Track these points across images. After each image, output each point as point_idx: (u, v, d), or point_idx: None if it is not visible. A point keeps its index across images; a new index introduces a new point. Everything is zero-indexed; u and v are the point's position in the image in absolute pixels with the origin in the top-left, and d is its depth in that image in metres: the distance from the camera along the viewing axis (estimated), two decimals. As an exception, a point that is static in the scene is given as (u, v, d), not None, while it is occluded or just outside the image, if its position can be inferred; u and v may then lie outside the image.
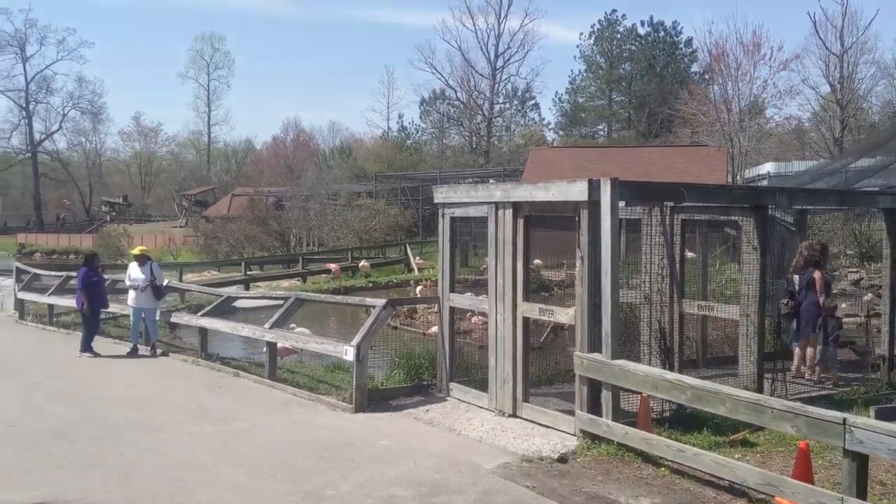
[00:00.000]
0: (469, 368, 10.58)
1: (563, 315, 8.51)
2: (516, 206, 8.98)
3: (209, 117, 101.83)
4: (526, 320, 8.99)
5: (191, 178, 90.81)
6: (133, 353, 14.42)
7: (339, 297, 11.91)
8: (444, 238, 10.25)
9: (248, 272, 31.44)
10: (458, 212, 10.01)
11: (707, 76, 64.48)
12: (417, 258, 35.38)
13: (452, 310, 10.18)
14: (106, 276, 17.79)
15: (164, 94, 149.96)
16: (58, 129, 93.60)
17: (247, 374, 12.22)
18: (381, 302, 9.97)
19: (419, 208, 50.76)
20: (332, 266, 30.88)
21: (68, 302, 18.54)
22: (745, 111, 37.51)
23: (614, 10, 74.51)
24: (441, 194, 10.20)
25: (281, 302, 12.77)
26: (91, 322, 14.61)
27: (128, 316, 15.46)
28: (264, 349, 11.86)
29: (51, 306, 19.33)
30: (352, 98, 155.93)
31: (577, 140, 66.46)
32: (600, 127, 74.51)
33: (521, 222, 8.99)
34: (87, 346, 14.27)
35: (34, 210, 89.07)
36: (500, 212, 9.18)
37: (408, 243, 38.17)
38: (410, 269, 34.87)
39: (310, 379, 12.22)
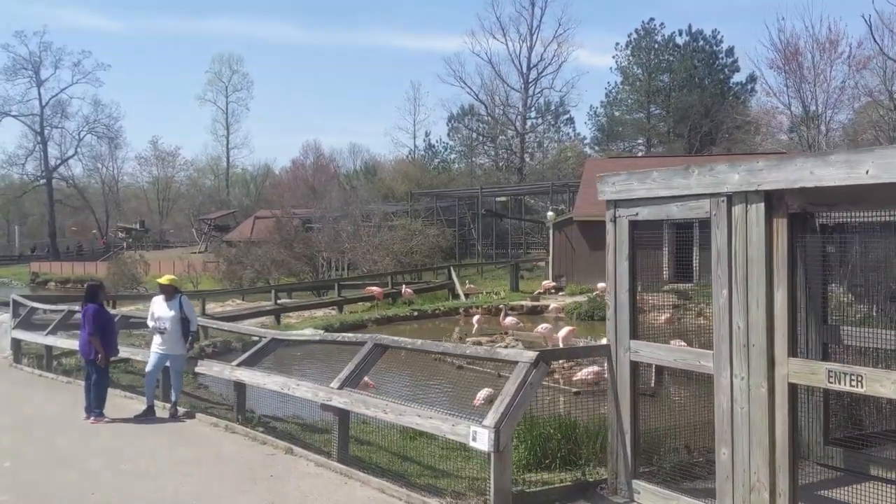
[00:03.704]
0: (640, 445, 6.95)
1: (887, 383, 4.87)
2: (772, 198, 5.40)
3: (228, 140, 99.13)
4: (794, 389, 5.38)
5: (210, 203, 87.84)
6: (148, 415, 10.87)
7: (448, 346, 8.27)
8: (617, 253, 6.66)
9: (278, 301, 27.96)
10: (646, 212, 6.42)
11: (750, 84, 60.86)
12: (468, 283, 31.86)
13: (636, 367, 6.56)
14: (114, 312, 14.42)
15: (182, 117, 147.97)
16: (73, 155, 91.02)
17: (304, 452, 8.66)
18: (527, 356, 6.34)
19: (456, 229, 47.18)
20: (376, 290, 27.44)
21: (68, 343, 15.18)
22: (824, 114, 33.85)
23: (651, 19, 71.08)
24: (615, 186, 6.64)
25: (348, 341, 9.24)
26: (105, 375, 11.12)
27: (140, 359, 12.11)
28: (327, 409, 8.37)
29: (49, 347, 15.93)
30: (372, 121, 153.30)
31: (619, 153, 62.89)
32: (639, 141, 70.75)
33: (781, 224, 5.40)
34: (95, 407, 10.77)
35: (49, 237, 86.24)
36: (738, 208, 5.61)
37: (452, 266, 34.54)
38: (456, 296, 31.34)
39: (392, 457, 8.67)
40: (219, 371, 10.73)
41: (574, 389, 11.53)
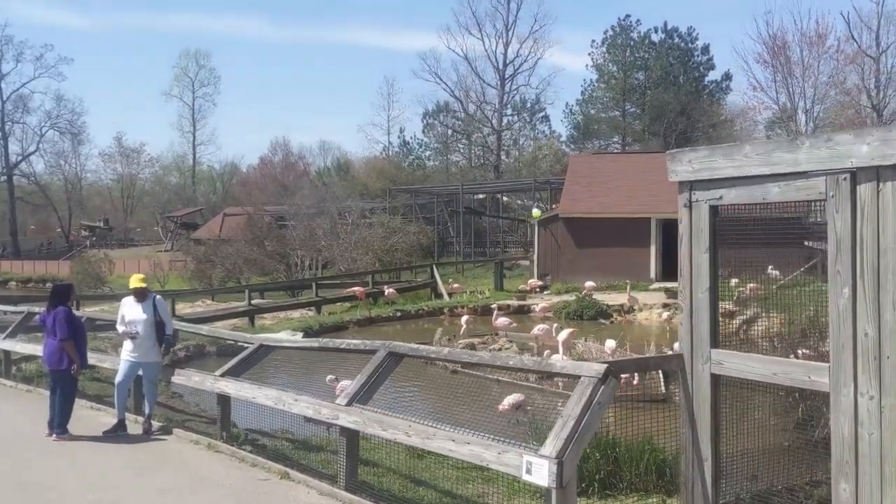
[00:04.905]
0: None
1: None
2: (917, 174, 4.33)
3: (194, 136, 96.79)
4: (944, 412, 4.31)
5: (176, 200, 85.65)
6: (118, 431, 9.56)
7: (485, 356, 7.10)
8: (694, 245, 5.56)
9: (252, 301, 26.66)
10: (733, 195, 5.31)
11: (725, 82, 60.42)
12: (452, 282, 30.77)
13: (717, 381, 5.44)
14: (79, 313, 13.06)
15: (148, 113, 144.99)
16: (35, 151, 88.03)
17: (303, 476, 7.46)
18: (593, 369, 5.19)
19: (434, 227, 46.02)
20: (358, 289, 26.26)
21: (29, 347, 13.88)
22: (811, 109, 33.27)
23: (628, 16, 70.46)
24: (691, 165, 5.53)
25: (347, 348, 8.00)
26: (74, 387, 9.80)
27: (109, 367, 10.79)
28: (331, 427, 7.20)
29: (7, 352, 14.55)
30: (343, 118, 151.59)
31: (597, 150, 62.13)
32: (615, 139, 70.03)
33: (927, 207, 4.34)
34: (58, 424, 9.42)
35: (10, 236, 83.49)
36: (867, 187, 4.52)
37: (434, 265, 33.40)
38: (438, 295, 30.22)
39: (404, 480, 7.54)
40: (199, 382, 9.46)
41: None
